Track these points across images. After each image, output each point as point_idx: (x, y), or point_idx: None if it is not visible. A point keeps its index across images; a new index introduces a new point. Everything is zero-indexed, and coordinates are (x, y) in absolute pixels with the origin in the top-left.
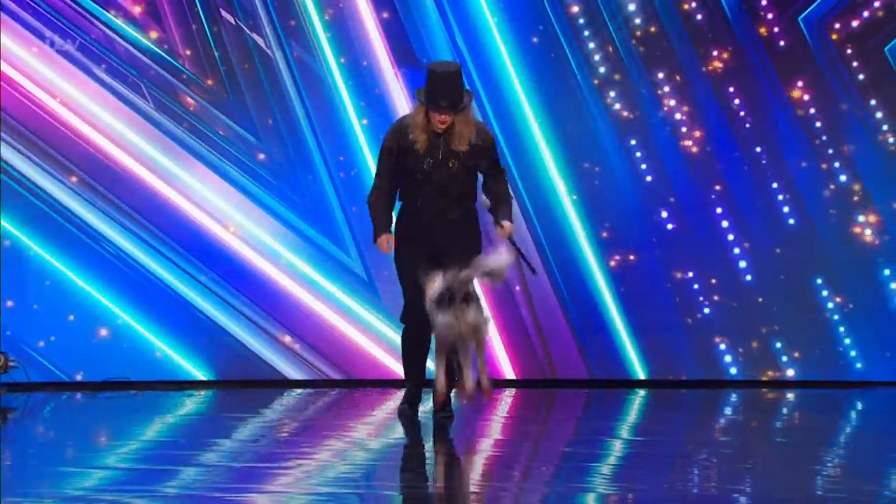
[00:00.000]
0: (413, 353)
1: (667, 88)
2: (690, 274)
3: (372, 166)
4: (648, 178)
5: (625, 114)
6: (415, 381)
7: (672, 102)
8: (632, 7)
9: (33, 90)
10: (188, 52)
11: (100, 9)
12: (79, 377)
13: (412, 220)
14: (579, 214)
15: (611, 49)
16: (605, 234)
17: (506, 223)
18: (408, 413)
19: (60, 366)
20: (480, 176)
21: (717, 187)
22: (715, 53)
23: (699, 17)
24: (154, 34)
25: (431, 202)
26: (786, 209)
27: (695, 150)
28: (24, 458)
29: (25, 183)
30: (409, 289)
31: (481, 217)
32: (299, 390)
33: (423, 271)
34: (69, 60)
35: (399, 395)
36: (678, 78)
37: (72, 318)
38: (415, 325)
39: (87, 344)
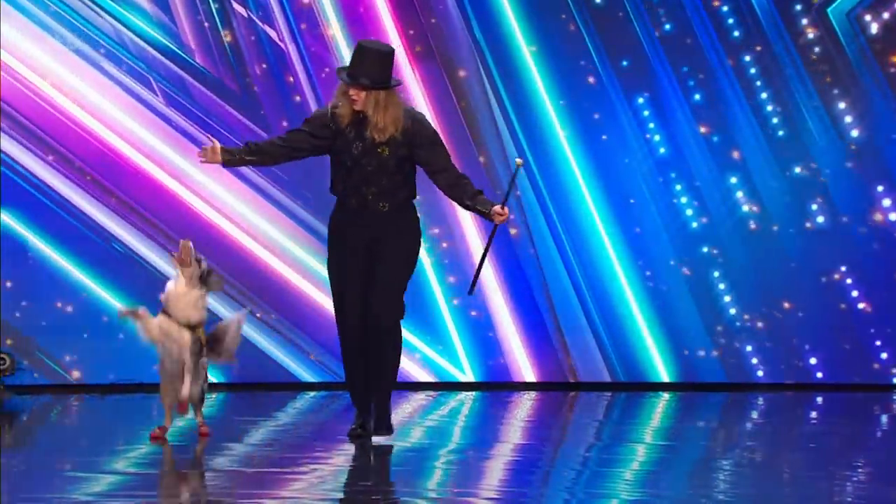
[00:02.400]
0: (354, 370)
1: (691, 82)
2: (716, 274)
3: None
4: (673, 175)
5: (649, 118)
6: (362, 401)
7: (697, 97)
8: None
9: (40, 84)
10: (198, 46)
11: (109, 2)
12: (76, 374)
13: (341, 215)
14: (602, 215)
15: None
16: (628, 235)
17: (496, 208)
18: (361, 434)
19: (68, 368)
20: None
21: (741, 183)
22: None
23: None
24: (164, 27)
25: (359, 191)
26: (820, 220)
27: (727, 164)
28: (31, 462)
29: (32, 180)
30: (338, 302)
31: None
32: (313, 393)
33: (353, 283)
34: (78, 55)
35: (414, 398)
36: (701, 75)
37: (80, 318)
38: (349, 341)
39: (95, 345)
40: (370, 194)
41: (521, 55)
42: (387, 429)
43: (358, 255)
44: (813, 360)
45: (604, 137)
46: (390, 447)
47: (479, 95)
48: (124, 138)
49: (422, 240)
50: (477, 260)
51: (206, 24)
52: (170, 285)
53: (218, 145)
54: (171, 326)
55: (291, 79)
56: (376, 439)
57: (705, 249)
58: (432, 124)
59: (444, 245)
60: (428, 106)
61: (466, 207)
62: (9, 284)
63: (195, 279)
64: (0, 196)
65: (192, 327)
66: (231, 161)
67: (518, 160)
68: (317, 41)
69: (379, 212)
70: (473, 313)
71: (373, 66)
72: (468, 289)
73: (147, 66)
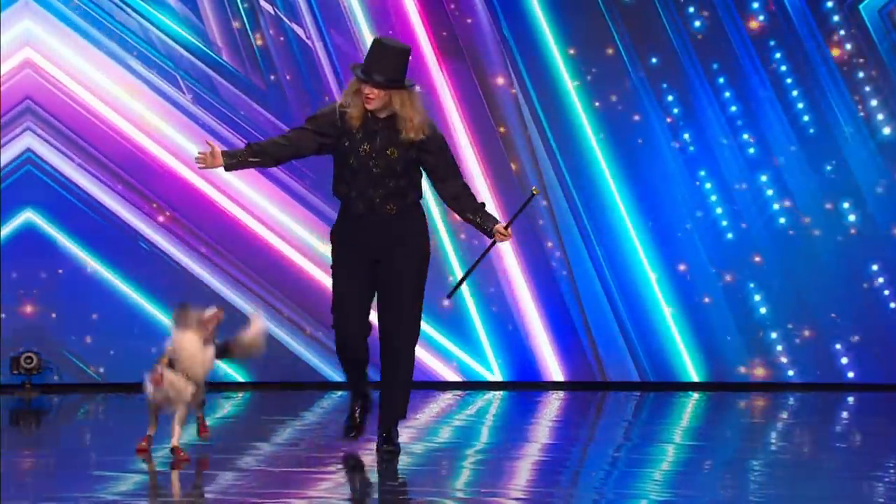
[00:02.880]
0: (348, 374)
1: (722, 79)
2: (747, 273)
3: None
4: (702, 173)
5: (675, 110)
6: (358, 393)
7: (727, 94)
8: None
9: (67, 83)
10: (225, 44)
11: (137, 0)
12: (101, 372)
13: (346, 219)
14: (631, 214)
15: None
16: (657, 234)
17: (499, 226)
18: (349, 434)
19: (95, 366)
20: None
21: (771, 182)
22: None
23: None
24: (191, 25)
25: (365, 194)
26: (852, 217)
27: (752, 150)
28: (58, 461)
29: (59, 178)
30: (337, 310)
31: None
32: (340, 392)
33: (355, 288)
34: (105, 53)
35: (442, 398)
36: (734, 75)
37: (106, 317)
38: (347, 352)
39: (121, 344)
40: (378, 197)
41: (551, 54)
42: (394, 445)
43: (364, 261)
44: (844, 360)
45: (639, 141)
46: (417, 448)
47: (507, 96)
48: (151, 136)
49: (429, 241)
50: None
51: (233, 23)
52: (185, 342)
53: (218, 149)
54: (178, 381)
55: (319, 76)
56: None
57: (737, 250)
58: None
59: (475, 243)
60: (456, 104)
61: (467, 220)
62: (37, 282)
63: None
64: (28, 195)
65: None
66: (232, 165)
67: (535, 189)
68: (344, 39)
69: (387, 214)
70: (494, 308)
71: (390, 63)
72: (448, 292)
73: (174, 64)
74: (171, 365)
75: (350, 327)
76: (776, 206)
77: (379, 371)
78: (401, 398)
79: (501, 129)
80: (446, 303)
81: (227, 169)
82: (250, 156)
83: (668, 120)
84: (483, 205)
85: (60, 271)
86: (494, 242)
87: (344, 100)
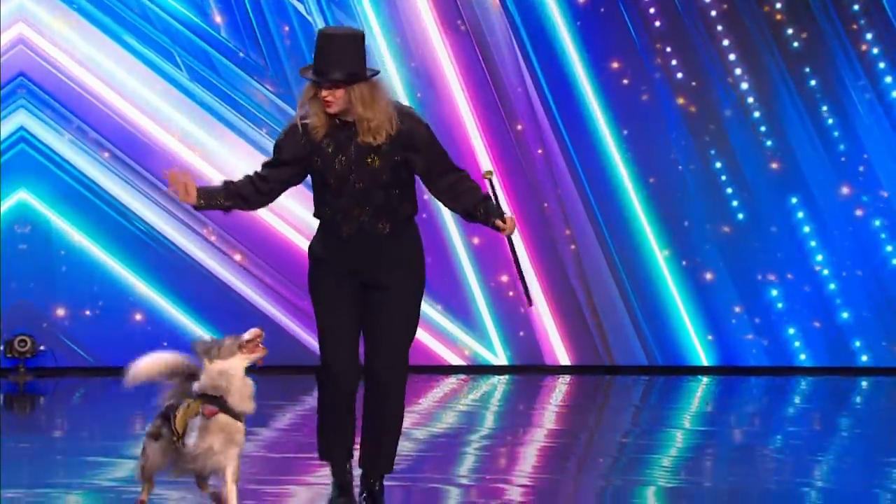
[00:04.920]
0: (333, 424)
1: (739, 71)
2: (757, 256)
3: None
4: (712, 153)
5: (692, 108)
6: (340, 463)
7: (744, 86)
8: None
9: (61, 58)
10: (224, 19)
11: None
12: (94, 353)
13: (330, 239)
14: (640, 198)
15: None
16: (665, 215)
17: (501, 221)
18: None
19: (90, 350)
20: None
21: (782, 167)
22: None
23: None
24: (189, 0)
25: (351, 213)
26: (864, 198)
27: (769, 143)
28: (53, 447)
29: (52, 156)
30: (324, 334)
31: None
32: None
33: (344, 318)
34: (101, 29)
35: (446, 382)
36: (751, 60)
37: (101, 299)
38: (332, 389)
39: (117, 326)
40: (365, 216)
41: (556, 29)
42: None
43: (353, 287)
44: (857, 343)
45: (648, 124)
46: (420, 434)
47: (512, 70)
48: (147, 114)
49: (425, 266)
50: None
51: None
52: (234, 369)
53: (192, 182)
54: (229, 422)
55: None
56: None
57: (747, 232)
58: (423, 118)
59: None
60: (460, 81)
61: (471, 217)
62: (31, 263)
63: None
64: (21, 173)
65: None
66: (204, 206)
67: (486, 173)
68: (345, 15)
69: (379, 234)
70: (511, 293)
71: (343, 55)
72: (527, 302)
73: (171, 40)
74: (223, 405)
75: (342, 363)
76: (794, 201)
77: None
78: (387, 448)
79: (519, 127)
80: (531, 308)
81: (197, 209)
82: (225, 198)
83: (680, 101)
84: (486, 196)
85: (56, 251)
86: (510, 238)
87: (301, 111)
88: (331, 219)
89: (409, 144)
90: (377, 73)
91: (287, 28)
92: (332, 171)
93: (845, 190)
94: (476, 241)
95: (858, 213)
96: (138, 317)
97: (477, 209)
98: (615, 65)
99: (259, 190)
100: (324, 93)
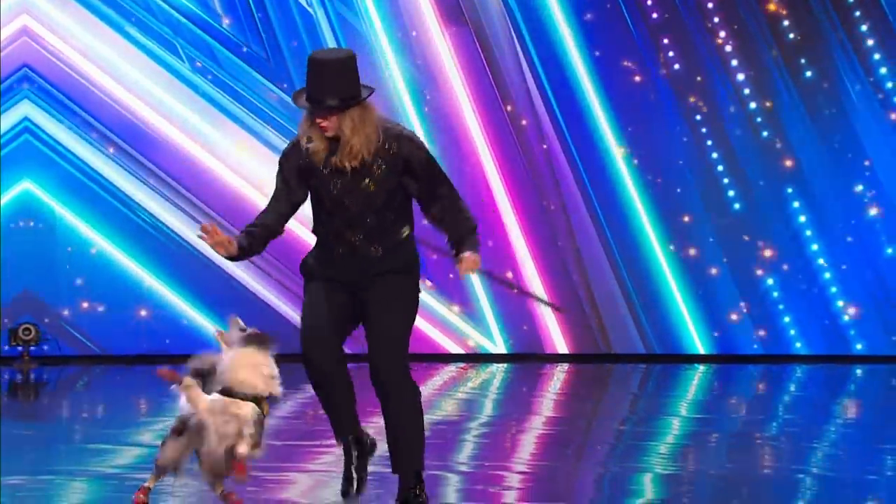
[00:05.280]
0: (330, 402)
1: (735, 62)
2: (752, 245)
3: (419, 131)
4: (709, 143)
5: (688, 96)
6: (344, 434)
7: (740, 77)
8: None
9: (64, 49)
10: (226, 11)
11: None
12: (97, 342)
13: (324, 257)
14: (635, 180)
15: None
16: (663, 203)
17: (467, 254)
18: (349, 490)
19: (94, 338)
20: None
21: (776, 159)
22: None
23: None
24: None
25: (343, 236)
26: (859, 188)
27: (765, 133)
28: (56, 434)
29: (55, 147)
30: (306, 339)
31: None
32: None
33: (324, 314)
34: (103, 20)
35: (446, 370)
36: (746, 48)
37: (104, 288)
38: (324, 383)
39: (120, 315)
40: (357, 239)
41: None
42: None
43: (342, 291)
44: (852, 332)
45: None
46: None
47: (510, 58)
48: (150, 105)
49: (419, 288)
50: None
51: None
52: (222, 356)
53: (233, 240)
54: (228, 403)
55: (320, 44)
56: None
57: (743, 221)
58: (422, 141)
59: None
60: (459, 71)
61: (452, 242)
62: (35, 252)
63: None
64: (25, 163)
65: (256, 400)
66: (243, 255)
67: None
68: (346, 6)
69: (371, 256)
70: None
71: (335, 79)
72: (557, 307)
73: (174, 32)
74: (226, 393)
75: (321, 352)
76: (790, 191)
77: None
78: (405, 444)
79: (523, 122)
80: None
81: (234, 260)
82: (260, 244)
83: (678, 92)
84: (474, 229)
85: (59, 240)
86: (492, 274)
87: (302, 132)
88: (325, 237)
89: (405, 166)
90: (372, 91)
91: (289, 20)
92: (327, 194)
93: (842, 180)
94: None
95: (854, 203)
96: (141, 306)
97: (451, 235)
98: (614, 58)
99: (276, 220)
100: (318, 119)
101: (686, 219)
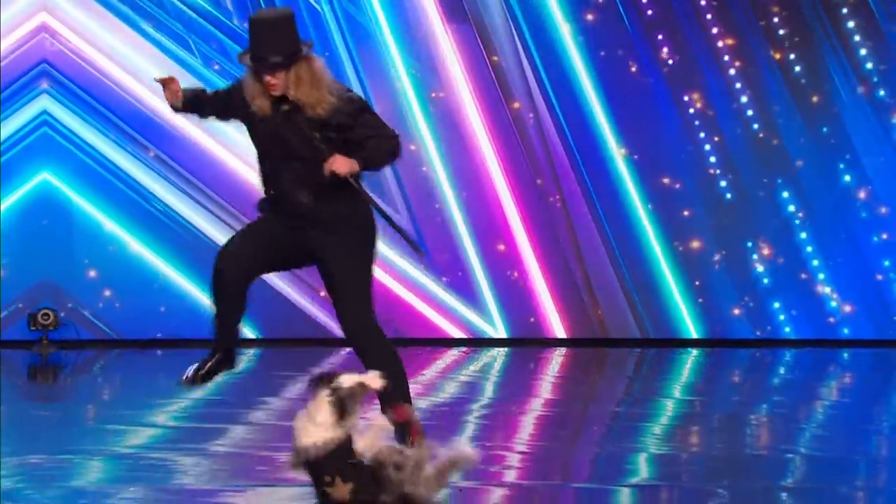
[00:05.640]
0: (221, 313)
1: (721, 45)
2: (744, 234)
3: (422, 124)
4: (702, 135)
5: (676, 72)
6: (221, 347)
7: (731, 72)
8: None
9: (81, 45)
10: (236, 7)
11: None
12: (114, 327)
13: (267, 197)
14: (631, 171)
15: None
16: (658, 192)
17: (338, 156)
18: (195, 375)
19: (110, 323)
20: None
21: (768, 148)
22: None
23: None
24: None
25: (288, 190)
26: (847, 178)
27: (756, 126)
28: (74, 415)
29: (73, 139)
30: (232, 241)
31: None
32: (347, 349)
33: (263, 234)
34: (119, 17)
35: (448, 354)
36: (736, 41)
37: (120, 275)
38: (219, 279)
39: (135, 301)
40: (285, 183)
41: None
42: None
43: (280, 228)
44: (839, 316)
45: (641, 102)
46: (423, 404)
47: (510, 55)
48: (162, 97)
49: (376, 233)
50: None
51: None
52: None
53: (179, 89)
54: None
55: (327, 39)
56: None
57: (734, 209)
58: (359, 96)
59: (475, 204)
60: (460, 63)
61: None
62: (54, 240)
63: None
64: (44, 156)
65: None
66: (185, 110)
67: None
68: (352, 2)
69: (301, 202)
70: (514, 274)
71: (277, 37)
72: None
73: (186, 28)
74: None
75: (234, 264)
76: (776, 175)
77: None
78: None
79: (516, 105)
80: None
81: (176, 111)
82: (203, 110)
83: (669, 82)
84: (383, 151)
85: (77, 229)
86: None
87: (249, 93)
88: (263, 181)
89: (348, 120)
90: (311, 44)
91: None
92: (257, 137)
93: (829, 169)
94: (477, 217)
95: (841, 190)
96: (156, 292)
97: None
98: (608, 51)
99: (200, 95)
100: (266, 78)
101: (679, 208)
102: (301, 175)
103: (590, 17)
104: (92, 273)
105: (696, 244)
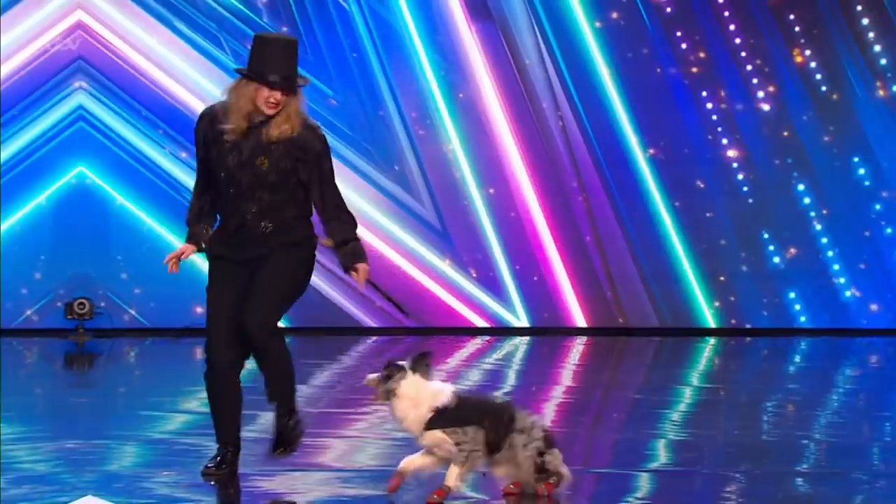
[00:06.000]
0: (216, 404)
1: (738, 40)
2: (761, 225)
3: (447, 120)
4: (719, 130)
5: (695, 69)
6: (224, 440)
7: (749, 67)
8: None
9: (116, 42)
10: (266, 6)
11: None
12: (147, 316)
13: (221, 230)
14: (650, 165)
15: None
16: (676, 184)
17: (360, 266)
18: (215, 471)
19: (144, 312)
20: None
21: (788, 136)
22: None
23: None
24: None
25: (237, 209)
26: (861, 171)
27: (766, 107)
28: (109, 401)
29: (108, 134)
30: (208, 332)
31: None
32: (374, 337)
33: (223, 305)
34: (152, 15)
35: (472, 343)
36: (753, 41)
37: (154, 266)
38: (214, 380)
39: (168, 291)
40: (249, 213)
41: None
42: (285, 445)
43: (239, 275)
44: (853, 306)
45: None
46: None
47: (533, 54)
48: (195, 93)
49: (313, 265)
50: None
51: None
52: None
53: (187, 251)
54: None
55: (354, 36)
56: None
57: (751, 201)
58: (326, 137)
59: (500, 199)
60: (485, 62)
61: (329, 245)
62: (90, 232)
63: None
64: (80, 149)
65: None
66: (201, 243)
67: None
68: (379, 2)
69: (261, 232)
70: (535, 265)
71: (293, 60)
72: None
73: (218, 25)
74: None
75: (220, 350)
76: (789, 160)
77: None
78: (275, 387)
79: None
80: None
81: (200, 250)
82: (200, 220)
83: (686, 74)
84: (357, 240)
85: (111, 221)
86: (373, 286)
87: (220, 106)
88: (222, 211)
89: (303, 153)
90: (307, 83)
91: (325, 15)
92: (224, 166)
93: (842, 163)
94: (501, 212)
95: (854, 183)
96: (188, 282)
97: (340, 245)
98: (630, 49)
99: (206, 196)
100: (267, 95)
101: (697, 200)
102: (265, 206)
103: (614, 14)
104: (126, 264)
105: (714, 236)
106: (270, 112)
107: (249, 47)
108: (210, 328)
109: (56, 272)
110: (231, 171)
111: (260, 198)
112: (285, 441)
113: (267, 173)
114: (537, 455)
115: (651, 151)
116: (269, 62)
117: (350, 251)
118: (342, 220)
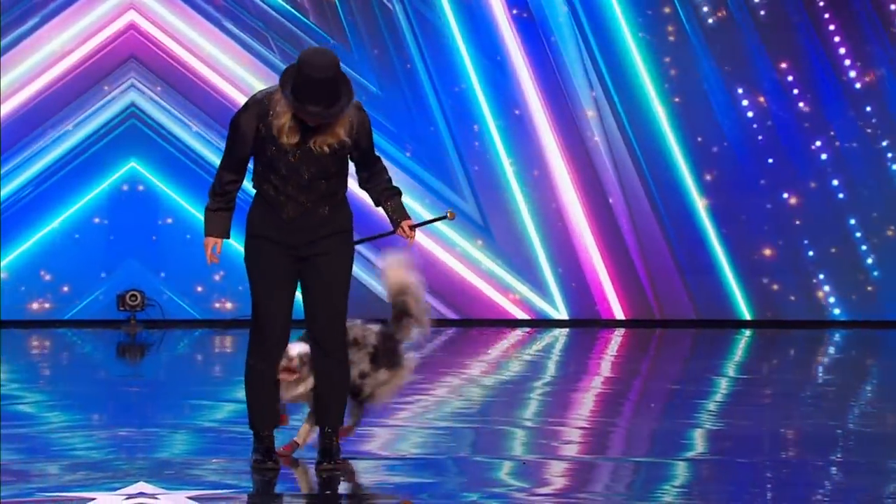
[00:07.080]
0: (260, 394)
1: (770, 36)
2: (794, 221)
3: (489, 118)
4: (751, 118)
5: (727, 67)
6: (266, 426)
7: (783, 65)
8: None
9: (167, 41)
10: (312, 6)
11: None
12: (198, 308)
13: (272, 216)
14: (686, 158)
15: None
16: (710, 178)
17: (406, 223)
18: (265, 465)
19: (194, 305)
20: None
21: (815, 133)
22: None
23: None
24: None
25: (297, 199)
26: (893, 165)
27: (803, 106)
28: (160, 391)
29: (159, 130)
30: (262, 318)
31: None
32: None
33: (281, 289)
34: (202, 16)
35: (512, 335)
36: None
37: (203, 259)
38: (263, 360)
39: (216, 283)
40: (310, 202)
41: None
42: (334, 462)
43: (290, 262)
44: (887, 299)
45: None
46: (489, 381)
47: (572, 48)
48: (243, 91)
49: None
50: None
51: None
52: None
53: (218, 244)
54: None
55: (398, 36)
56: (325, 467)
57: (785, 195)
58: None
59: (540, 194)
60: (527, 66)
61: (377, 203)
62: (142, 226)
63: None
64: (132, 146)
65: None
66: (227, 228)
67: (450, 213)
68: (423, 2)
69: (319, 216)
70: (575, 259)
71: (329, 89)
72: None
73: (265, 25)
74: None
75: (270, 340)
76: (824, 157)
77: None
78: (336, 406)
79: (589, 111)
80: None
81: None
82: (229, 211)
83: (722, 72)
84: (399, 192)
85: (162, 215)
86: (393, 233)
87: (270, 100)
88: (275, 199)
89: (357, 140)
90: (352, 94)
91: (370, 14)
92: (284, 162)
93: (877, 156)
94: (541, 207)
95: (888, 182)
96: (234, 275)
97: (386, 204)
98: (668, 49)
99: (234, 180)
100: (317, 119)
101: (734, 196)
102: (324, 192)
103: (649, 12)
104: (176, 256)
105: (750, 229)
106: (309, 122)
107: (295, 67)
108: (264, 324)
109: (109, 265)
110: (293, 167)
111: (319, 186)
112: (331, 455)
113: (328, 164)
114: (358, 376)
115: (683, 143)
116: (308, 94)
117: (397, 201)
118: (383, 178)
